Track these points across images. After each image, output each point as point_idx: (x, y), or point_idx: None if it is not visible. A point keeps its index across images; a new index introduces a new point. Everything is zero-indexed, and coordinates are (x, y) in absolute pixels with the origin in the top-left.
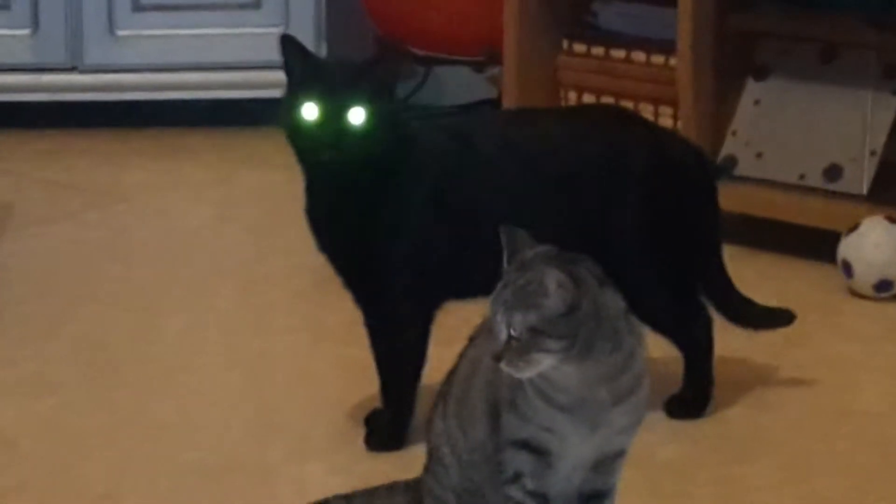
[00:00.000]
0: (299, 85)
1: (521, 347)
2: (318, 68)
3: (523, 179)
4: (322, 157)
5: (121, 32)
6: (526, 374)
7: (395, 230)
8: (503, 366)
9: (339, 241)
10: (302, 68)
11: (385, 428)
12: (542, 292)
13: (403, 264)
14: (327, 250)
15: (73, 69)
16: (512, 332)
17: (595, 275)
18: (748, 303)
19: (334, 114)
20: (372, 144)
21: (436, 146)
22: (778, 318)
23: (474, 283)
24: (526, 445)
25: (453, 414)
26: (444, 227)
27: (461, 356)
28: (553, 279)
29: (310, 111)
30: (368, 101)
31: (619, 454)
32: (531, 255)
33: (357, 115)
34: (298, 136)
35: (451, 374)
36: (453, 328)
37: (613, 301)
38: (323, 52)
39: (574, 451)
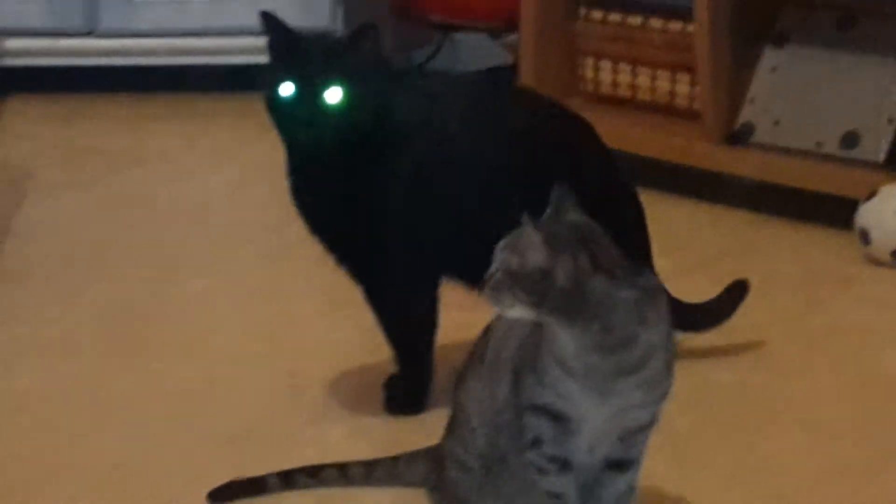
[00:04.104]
0: (277, 62)
1: (498, 282)
2: (297, 45)
3: (495, 156)
4: (299, 137)
5: None
6: (498, 308)
7: (384, 202)
8: (485, 289)
9: (330, 221)
10: (281, 45)
11: (404, 393)
12: (523, 246)
13: (399, 234)
14: (318, 232)
15: (89, 34)
16: (497, 265)
17: (595, 259)
18: (694, 306)
19: (311, 93)
20: (349, 124)
21: (416, 115)
22: (732, 296)
23: (470, 256)
24: (545, 411)
25: (485, 375)
26: (430, 195)
27: (498, 317)
28: (529, 240)
29: (287, 89)
30: (346, 80)
31: (642, 428)
32: (564, 218)
33: (334, 95)
34: (276, 113)
35: (486, 334)
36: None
37: (605, 288)
38: (339, 18)
39: (590, 419)
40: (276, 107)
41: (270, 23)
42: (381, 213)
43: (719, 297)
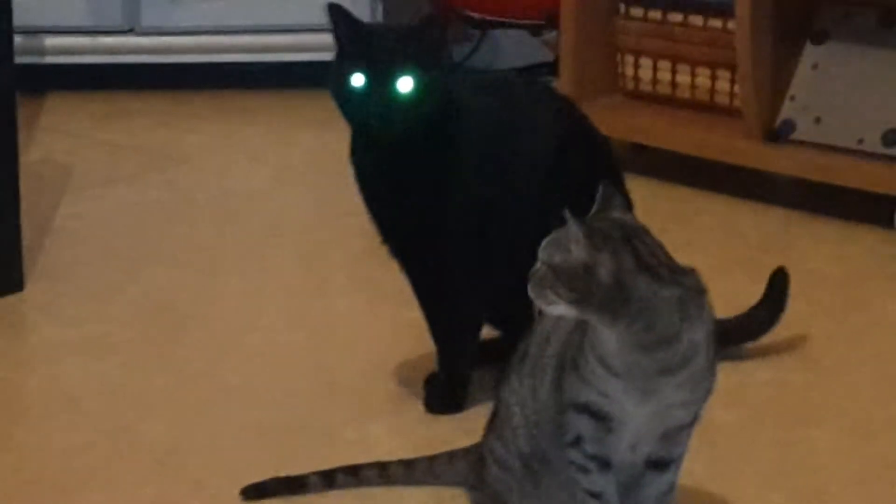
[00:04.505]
0: (347, 53)
1: (541, 277)
2: (366, 36)
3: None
4: (371, 127)
5: None
6: (541, 304)
7: (448, 192)
8: (528, 285)
9: (393, 208)
10: (349, 36)
11: (444, 391)
12: (567, 243)
13: (459, 224)
14: (380, 216)
15: (130, 31)
16: (541, 261)
17: (639, 257)
18: (748, 313)
19: (382, 83)
20: (421, 112)
21: (479, 104)
22: (777, 288)
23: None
24: (586, 409)
25: (528, 373)
26: (491, 190)
27: (541, 315)
28: (572, 235)
29: (358, 80)
30: (417, 68)
31: (684, 427)
32: (609, 215)
33: (405, 84)
34: (347, 104)
35: (531, 333)
36: None
37: (649, 286)
38: (379, 13)
39: (631, 418)
40: (347, 98)
41: (338, 15)
42: (444, 202)
43: (767, 295)
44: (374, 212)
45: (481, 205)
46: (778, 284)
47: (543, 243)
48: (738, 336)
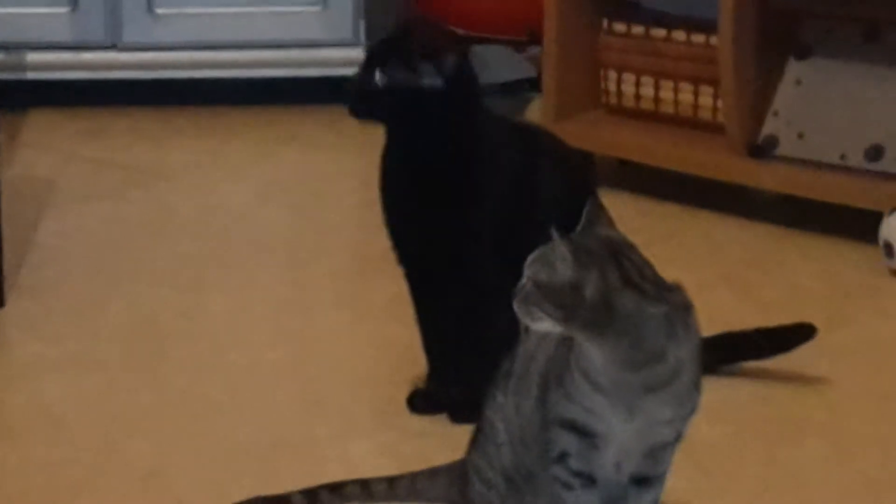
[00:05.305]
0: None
1: (527, 295)
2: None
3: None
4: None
5: (160, 10)
6: (527, 321)
7: (480, 203)
8: (514, 302)
9: (426, 220)
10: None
11: (468, 402)
12: (553, 259)
13: (488, 235)
14: (411, 233)
15: (112, 47)
16: (526, 277)
17: (625, 274)
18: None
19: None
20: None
21: (500, 124)
22: (799, 331)
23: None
24: (572, 426)
25: (513, 390)
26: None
27: (527, 332)
28: (559, 253)
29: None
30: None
31: (669, 444)
32: (596, 232)
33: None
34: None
35: (517, 350)
36: None
37: (635, 303)
38: (361, 31)
39: (616, 434)
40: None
41: None
42: (476, 213)
43: (780, 332)
44: (402, 230)
45: (503, 215)
46: (799, 334)
47: (529, 259)
48: (728, 354)
